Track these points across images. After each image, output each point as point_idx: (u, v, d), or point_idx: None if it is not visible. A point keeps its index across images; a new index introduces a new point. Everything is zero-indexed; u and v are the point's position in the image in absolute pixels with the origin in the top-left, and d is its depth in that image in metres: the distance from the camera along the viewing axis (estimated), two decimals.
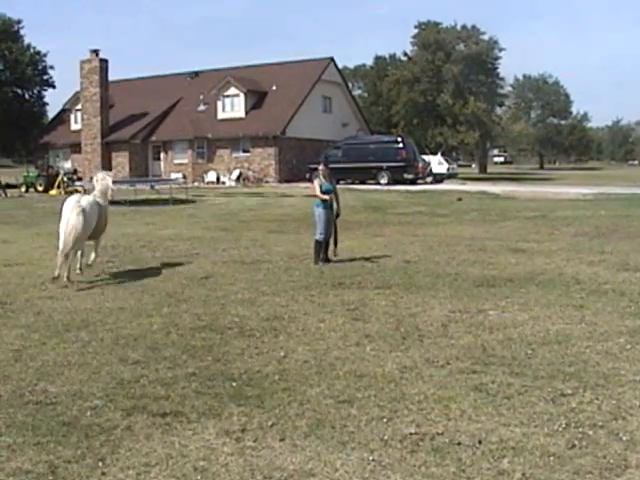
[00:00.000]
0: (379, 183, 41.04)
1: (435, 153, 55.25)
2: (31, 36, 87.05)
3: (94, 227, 12.61)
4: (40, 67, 72.33)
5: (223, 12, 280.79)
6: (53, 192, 38.19)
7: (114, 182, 14.25)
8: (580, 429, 5.49)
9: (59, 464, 5.01)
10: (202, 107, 51.23)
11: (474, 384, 6.53)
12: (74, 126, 54.48)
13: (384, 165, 41.37)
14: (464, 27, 72.23)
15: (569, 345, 7.77)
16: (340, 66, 57.02)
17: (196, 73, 56.52)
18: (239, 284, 11.56)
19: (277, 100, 48.54)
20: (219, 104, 50.07)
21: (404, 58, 77.46)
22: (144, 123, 51.67)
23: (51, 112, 71.76)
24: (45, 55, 72.51)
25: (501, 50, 70.95)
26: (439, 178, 46.87)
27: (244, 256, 14.64)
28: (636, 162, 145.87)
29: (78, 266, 12.72)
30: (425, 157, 48.52)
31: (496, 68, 71.41)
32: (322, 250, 13.57)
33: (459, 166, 68.64)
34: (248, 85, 49.58)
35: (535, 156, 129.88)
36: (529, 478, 4.75)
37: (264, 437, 5.46)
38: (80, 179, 42.82)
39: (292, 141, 47.35)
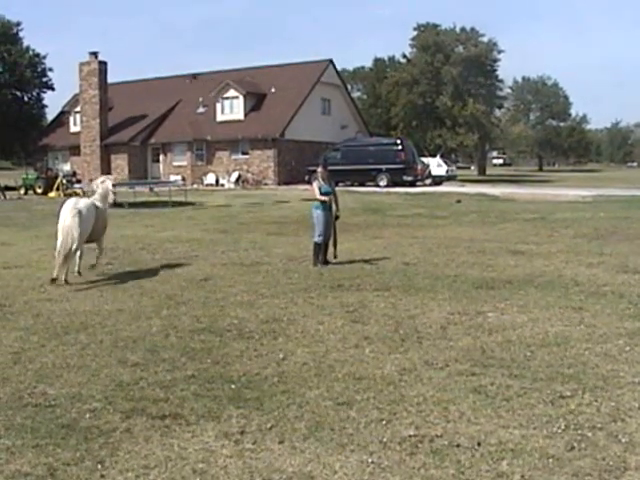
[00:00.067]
0: (378, 185, 41.07)
1: (434, 155, 55.21)
2: (29, 38, 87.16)
3: (92, 230, 12.65)
4: (39, 69, 72.21)
5: (222, 14, 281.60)
6: (52, 194, 38.22)
7: (115, 185, 14.29)
8: (579, 431, 5.49)
9: (58, 466, 5.01)
10: (201, 109, 51.25)
11: (473, 386, 6.54)
12: (73, 128, 54.49)
13: (383, 167, 41.40)
14: (463, 29, 72.31)
15: (568, 347, 7.77)
16: (339, 68, 57.09)
17: (195, 75, 56.54)
18: (238, 286, 11.55)
19: (276, 102, 48.57)
20: (218, 106, 50.09)
21: (403, 60, 77.53)
22: (143, 125, 51.69)
23: (50, 114, 71.78)
24: (44, 57, 72.41)
25: (500, 52, 71.10)
26: (438, 180, 46.87)
27: (243, 258, 14.64)
28: (635, 164, 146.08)
29: (77, 269, 12.74)
30: (424, 159, 48.54)
31: (495, 70, 71.48)
32: (321, 252, 13.57)
33: (458, 168, 68.63)
34: (247, 87, 49.61)
35: (534, 158, 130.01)
36: None
37: (263, 439, 5.46)
38: (79, 181, 42.83)
39: (291, 143, 47.37)
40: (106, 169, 50.81)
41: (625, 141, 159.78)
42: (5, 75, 69.60)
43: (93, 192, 13.79)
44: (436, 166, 50.01)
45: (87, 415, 5.95)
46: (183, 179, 45.50)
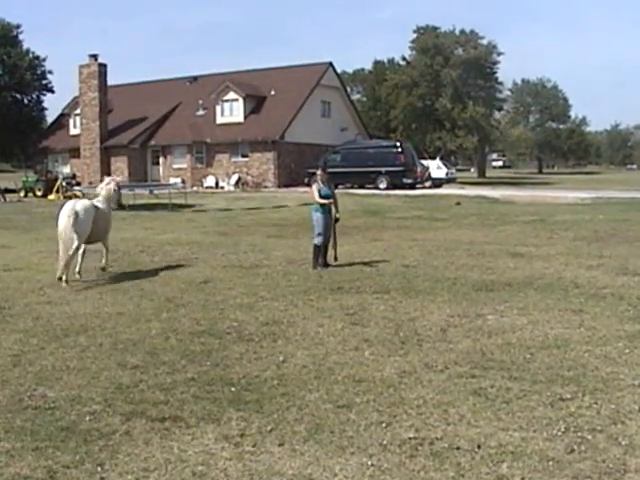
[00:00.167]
0: (378, 188, 41.04)
1: (434, 157, 55.24)
2: (28, 41, 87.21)
3: (92, 230, 12.70)
4: (39, 72, 72.20)
5: (222, 17, 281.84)
6: (52, 197, 38.22)
7: (121, 187, 14.38)
8: (579, 433, 5.49)
9: (58, 469, 5.01)
10: (201, 112, 51.25)
11: (473, 388, 6.54)
12: (73, 131, 54.47)
13: (383, 170, 41.39)
14: (463, 32, 72.41)
15: (568, 349, 7.77)
16: (339, 71, 57.06)
17: (195, 78, 56.54)
18: (238, 289, 11.55)
19: (276, 105, 48.56)
20: (218, 109, 50.09)
21: (403, 63, 77.70)
22: (143, 128, 51.67)
23: (50, 117, 71.78)
24: (44, 60, 72.44)
25: (500, 54, 71.22)
26: (438, 182, 46.90)
27: (243, 261, 14.64)
28: (634, 166, 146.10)
29: (77, 269, 12.77)
30: (424, 162, 48.57)
31: (495, 72, 71.56)
32: (321, 255, 13.58)
33: (458, 170, 68.74)
34: (247, 90, 49.60)
35: (534, 160, 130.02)
36: None
37: (263, 442, 5.46)
38: (79, 184, 42.87)
39: (291, 146, 47.35)
40: (106, 171, 50.61)
41: (625, 143, 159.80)
42: (5, 77, 69.60)
43: (97, 193, 13.89)
44: (436, 168, 50.07)
45: (87, 418, 5.95)
46: (183, 182, 45.49)
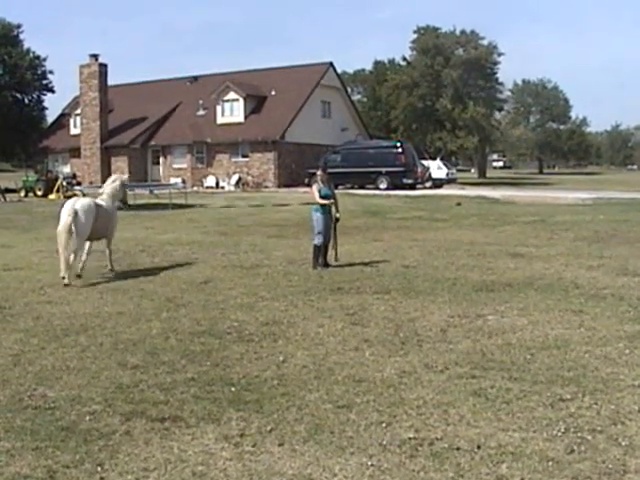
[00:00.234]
0: (378, 188, 41.06)
1: (434, 158, 55.28)
2: (28, 40, 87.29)
3: (94, 229, 12.82)
4: (39, 72, 72.22)
5: (222, 17, 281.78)
6: (52, 196, 38.24)
7: (127, 186, 14.45)
8: (579, 434, 5.49)
9: (58, 469, 5.01)
10: (201, 112, 51.28)
11: (473, 389, 6.54)
12: (73, 130, 54.53)
13: (383, 170, 41.41)
14: (463, 32, 72.38)
15: (568, 350, 7.77)
16: (339, 71, 57.12)
17: (195, 78, 56.59)
18: (238, 289, 11.56)
19: (276, 105, 48.59)
20: (218, 109, 50.12)
21: (403, 63, 77.74)
22: (143, 128, 51.71)
23: (50, 117, 71.82)
24: (45, 60, 72.44)
25: (500, 55, 71.16)
26: (438, 183, 46.93)
27: (243, 261, 14.64)
28: (635, 167, 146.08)
29: (80, 267, 12.83)
30: (424, 162, 48.59)
31: (495, 73, 71.54)
32: (321, 255, 13.58)
33: (458, 171, 68.74)
34: (247, 90, 49.62)
35: (534, 161, 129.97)
36: None
37: (263, 442, 5.46)
38: (79, 183, 42.91)
39: (291, 146, 47.39)
40: (106, 171, 50.77)
41: (625, 144, 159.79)
42: (5, 77, 69.61)
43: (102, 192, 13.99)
44: (436, 169, 50.10)
45: (87, 417, 5.95)
46: (183, 181, 45.50)
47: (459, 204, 30.11)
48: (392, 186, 40.54)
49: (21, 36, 71.11)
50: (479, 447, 5.28)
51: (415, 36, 72.74)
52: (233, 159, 48.62)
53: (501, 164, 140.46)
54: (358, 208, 27.96)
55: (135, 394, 6.52)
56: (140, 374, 7.11)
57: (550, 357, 7.51)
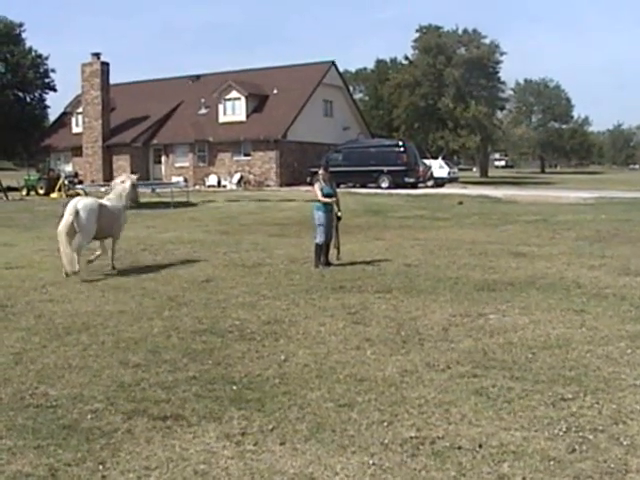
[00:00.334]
0: (380, 187, 41.04)
1: (436, 157, 55.25)
2: (30, 39, 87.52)
3: (99, 228, 12.98)
4: (41, 70, 72.38)
5: (224, 16, 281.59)
6: (54, 195, 38.24)
7: (136, 185, 14.61)
8: (580, 433, 5.49)
9: (59, 467, 5.01)
10: (203, 110, 51.28)
11: (474, 388, 6.53)
12: (75, 129, 54.51)
13: (385, 169, 41.39)
14: (465, 31, 72.36)
15: (570, 349, 7.77)
16: (341, 70, 57.09)
17: (197, 76, 56.56)
18: (240, 287, 11.56)
19: (278, 104, 48.57)
20: (220, 107, 50.11)
21: (405, 62, 77.64)
22: (145, 126, 51.69)
23: (52, 115, 71.93)
24: (46, 58, 72.63)
25: (502, 54, 71.12)
26: (440, 182, 46.89)
27: (245, 259, 14.65)
28: (637, 166, 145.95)
29: (91, 257, 13.05)
30: (426, 161, 48.55)
31: (497, 72, 71.52)
32: (323, 253, 13.58)
33: (460, 170, 68.65)
34: (249, 89, 49.61)
35: (536, 160, 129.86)
36: None
37: (264, 441, 5.46)
38: (81, 182, 42.92)
39: (293, 145, 47.38)
40: (108, 170, 50.86)
41: (627, 143, 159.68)
42: (7, 76, 69.76)
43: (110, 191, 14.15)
44: (438, 168, 50.05)
45: (88, 416, 5.96)
46: (185, 180, 45.51)
47: (461, 203, 30.09)
48: (394, 185, 40.53)
49: (23, 35, 71.34)
50: (481, 446, 5.28)
51: (417, 35, 72.79)
52: (235, 158, 48.59)
53: (503, 163, 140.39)
54: (360, 207, 27.96)
55: (137, 393, 6.53)
56: (142, 373, 7.12)
57: (552, 356, 7.51)
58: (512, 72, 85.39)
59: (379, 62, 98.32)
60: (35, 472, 4.94)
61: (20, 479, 4.86)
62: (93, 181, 47.68)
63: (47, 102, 76.36)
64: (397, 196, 34.82)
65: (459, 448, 5.26)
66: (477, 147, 74.07)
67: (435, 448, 5.27)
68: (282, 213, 26.68)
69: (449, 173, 51.73)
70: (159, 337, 8.50)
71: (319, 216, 13.71)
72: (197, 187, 45.52)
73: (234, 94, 49.49)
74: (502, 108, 79.87)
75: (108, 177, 49.47)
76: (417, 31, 72.94)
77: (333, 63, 52.84)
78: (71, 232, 12.59)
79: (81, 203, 12.87)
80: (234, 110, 49.69)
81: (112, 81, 52.52)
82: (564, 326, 8.80)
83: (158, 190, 35.05)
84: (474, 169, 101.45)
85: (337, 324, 9.04)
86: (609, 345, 7.90)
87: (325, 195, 13.73)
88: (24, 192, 41.83)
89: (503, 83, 74.87)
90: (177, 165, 50.68)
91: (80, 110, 53.03)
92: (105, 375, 7.04)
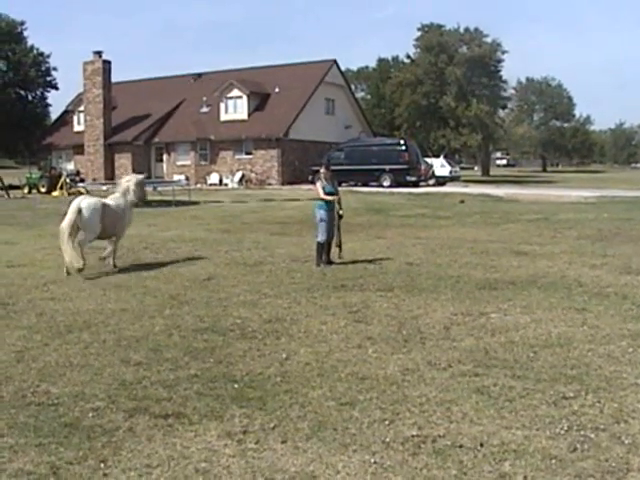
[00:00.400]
0: (382, 185, 41.06)
1: (438, 155, 55.24)
2: (32, 37, 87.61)
3: (103, 226, 13.09)
4: (43, 68, 72.42)
5: (226, 14, 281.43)
6: (56, 193, 38.25)
7: (144, 184, 14.95)
8: (582, 432, 5.49)
9: (61, 465, 5.02)
10: (205, 109, 51.27)
11: (476, 387, 6.54)
12: (77, 127, 54.56)
13: (387, 167, 41.41)
14: (467, 30, 72.27)
15: (571, 348, 7.76)
16: (343, 68, 57.11)
17: (199, 75, 56.57)
18: (241, 286, 11.56)
19: (280, 102, 48.57)
20: (222, 106, 50.11)
21: (407, 60, 77.58)
22: (147, 125, 51.71)
23: (54, 113, 71.96)
24: (48, 56, 72.69)
25: (504, 53, 71.04)
26: (442, 180, 46.88)
27: (246, 258, 14.65)
28: (639, 165, 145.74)
29: (80, 265, 12.88)
30: (428, 159, 48.55)
31: (499, 71, 71.42)
32: (324, 252, 13.57)
33: (462, 169, 68.61)
34: (251, 87, 49.62)
35: (538, 159, 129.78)
36: None
37: (266, 439, 5.46)
38: (82, 180, 42.93)
39: (295, 143, 47.37)
40: (110, 168, 50.92)
41: (629, 142, 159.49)
42: (9, 74, 69.80)
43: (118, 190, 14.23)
44: (440, 166, 50.02)
45: (90, 414, 5.96)
46: (187, 179, 45.51)
47: (462, 202, 30.09)
48: (395, 184, 40.55)
49: (25, 33, 71.38)
50: (482, 445, 5.28)
51: (419, 34, 72.72)
52: (237, 156, 48.61)
53: (505, 162, 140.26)
54: (361, 205, 27.96)
55: (138, 391, 6.53)
56: (143, 371, 7.12)
57: (553, 355, 7.51)
58: (513, 71, 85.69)
59: (381, 61, 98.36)
60: (36, 470, 4.94)
61: (22, 477, 4.86)
62: (95, 179, 47.70)
63: (49, 100, 76.50)
64: (399, 195, 34.83)
65: (460, 447, 5.26)
66: (479, 146, 74.12)
67: (436, 447, 5.27)
68: (284, 212, 26.68)
69: (451, 172, 51.69)
70: (160, 335, 8.51)
71: (321, 214, 13.70)
72: (199, 185, 45.53)
73: (236, 92, 49.49)
74: (504, 107, 79.82)
75: (110, 175, 49.60)
76: (419, 30, 72.92)
77: (335, 62, 52.82)
78: (73, 230, 12.71)
79: (85, 202, 13.02)
80: (236, 108, 49.69)
81: (114, 79, 52.57)
82: (565, 325, 8.80)
83: (160, 188, 35.04)
84: (476, 168, 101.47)
85: (338, 322, 9.04)
86: (610, 344, 7.90)
87: (327, 193, 13.73)
88: (26, 190, 41.82)
89: (505, 82, 74.87)
90: (179, 163, 50.70)
91: (82, 108, 53.07)
92: (106, 373, 7.05)
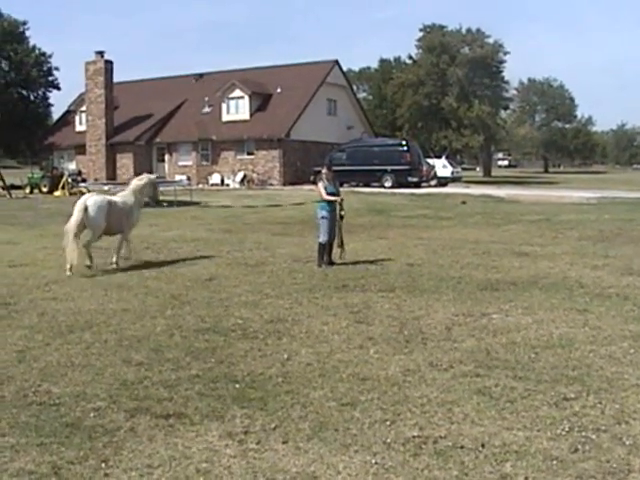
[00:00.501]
0: (383, 186, 41.07)
1: (439, 156, 55.23)
2: (33, 37, 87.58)
3: (108, 224, 13.34)
4: (45, 68, 72.37)
5: (226, 15, 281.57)
6: (57, 193, 38.26)
7: (158, 184, 15.41)
8: (583, 433, 5.48)
9: (62, 465, 5.02)
10: (207, 109, 51.28)
11: (477, 388, 6.53)
12: (79, 127, 54.62)
13: (388, 168, 41.41)
14: (469, 30, 72.26)
15: (572, 349, 7.76)
16: (345, 69, 57.07)
17: (201, 75, 56.58)
18: (243, 286, 11.56)
19: (282, 102, 48.57)
20: (224, 106, 50.12)
21: (409, 61, 77.58)
22: (148, 125, 51.74)
23: (56, 113, 71.91)
24: (50, 56, 72.59)
25: (506, 54, 71.01)
26: (443, 181, 46.91)
27: (248, 258, 14.65)
28: None
29: (88, 263, 13.07)
30: (429, 160, 48.58)
31: (501, 71, 71.37)
32: (326, 253, 13.57)
33: (463, 169, 68.66)
34: (253, 87, 49.61)
35: (539, 159, 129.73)
36: None
37: (267, 439, 5.47)
38: (84, 180, 42.88)
39: (296, 143, 47.37)
40: (111, 168, 50.96)
41: (631, 143, 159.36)
42: (11, 74, 69.78)
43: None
44: (441, 167, 50.07)
45: (91, 414, 5.96)
46: (188, 179, 45.51)
47: (464, 203, 30.10)
48: (397, 184, 40.56)
49: (27, 33, 71.33)
50: (483, 446, 5.28)
51: (421, 34, 72.71)
52: (238, 157, 48.62)
53: (506, 163, 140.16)
54: (363, 206, 27.96)
55: (139, 391, 6.53)
56: (144, 371, 7.12)
57: (554, 356, 7.51)
58: (514, 72, 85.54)
59: (383, 61, 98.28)
60: (38, 470, 4.95)
61: (23, 477, 4.86)
62: (96, 179, 47.72)
63: (51, 100, 76.42)
64: (400, 195, 34.83)
65: (461, 447, 5.26)
66: (480, 147, 74.10)
67: (437, 447, 5.27)
68: (285, 212, 26.67)
69: (452, 172, 51.74)
70: (162, 335, 8.51)
71: (322, 215, 13.70)
72: (200, 186, 45.51)
73: (238, 93, 49.50)
74: (506, 107, 79.79)
75: (111, 175, 49.64)
76: (421, 30, 72.93)
77: (337, 62, 52.81)
78: (80, 229, 12.92)
79: (90, 200, 13.30)
80: (237, 109, 49.70)
81: (115, 79, 52.59)
82: (567, 326, 8.80)
83: (161, 188, 34.96)
84: (477, 169, 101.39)
85: (340, 323, 9.05)
86: (612, 345, 7.90)
87: (329, 194, 13.73)
88: (27, 190, 41.82)
89: (507, 82, 74.79)
90: (180, 164, 50.72)
91: (84, 108, 53.12)
92: (108, 373, 7.05)
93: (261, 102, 49.67)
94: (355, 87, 75.80)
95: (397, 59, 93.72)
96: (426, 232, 19.67)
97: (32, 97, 73.15)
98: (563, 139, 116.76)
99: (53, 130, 60.27)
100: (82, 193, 27.76)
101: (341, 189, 14.63)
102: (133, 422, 5.80)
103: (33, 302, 10.39)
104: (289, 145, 47.15)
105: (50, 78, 73.14)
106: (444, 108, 68.06)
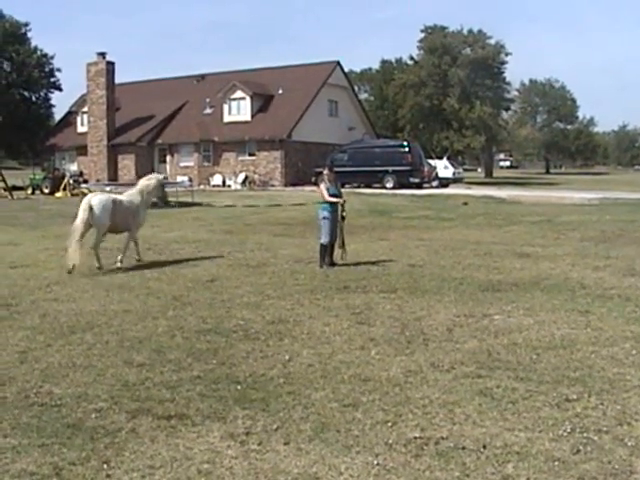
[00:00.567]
0: (385, 187, 41.09)
1: (441, 157, 55.25)
2: (35, 38, 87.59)
3: (113, 222, 13.51)
4: (47, 69, 72.42)
5: (226, 15, 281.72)
6: (59, 194, 38.33)
7: (165, 184, 15.83)
8: (585, 434, 5.48)
9: (64, 466, 5.02)
10: (208, 110, 51.32)
11: (479, 388, 6.53)
12: (80, 128, 54.65)
13: (390, 169, 41.43)
14: (470, 31, 72.34)
15: (574, 350, 7.75)
16: (346, 70, 57.07)
17: (202, 76, 56.60)
18: (244, 287, 11.56)
19: (283, 103, 48.60)
20: (225, 107, 50.16)
21: (410, 62, 77.67)
22: (150, 126, 51.77)
23: (57, 114, 71.99)
24: (52, 57, 72.65)
25: (507, 54, 71.03)
26: (445, 182, 46.91)
27: (249, 259, 14.65)
28: None
29: (97, 265, 13.27)
30: (431, 161, 48.61)
31: (502, 72, 71.44)
32: (327, 254, 13.57)
33: (465, 170, 68.68)
34: (254, 88, 49.64)
35: (541, 160, 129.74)
36: None
37: (268, 440, 5.46)
38: (86, 181, 42.95)
39: (298, 144, 47.39)
40: (113, 169, 50.98)
41: (632, 144, 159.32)
42: (13, 75, 69.84)
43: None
44: (443, 168, 50.08)
45: (93, 415, 5.96)
46: (190, 180, 45.54)
47: (466, 204, 30.09)
48: (399, 185, 40.57)
49: (28, 34, 71.37)
50: (485, 447, 5.27)
51: (422, 35, 72.77)
52: (240, 158, 48.66)
53: (508, 164, 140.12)
54: (365, 207, 27.96)
55: (141, 392, 6.53)
56: (146, 372, 7.12)
57: (556, 357, 7.50)
58: (515, 72, 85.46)
59: (384, 62, 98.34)
60: (39, 471, 4.94)
61: (24, 478, 4.86)
62: (98, 180, 47.74)
63: (52, 101, 76.56)
64: (402, 196, 34.83)
65: (463, 448, 5.25)
66: (482, 147, 74.14)
67: (439, 448, 5.27)
68: (286, 213, 26.68)
69: (454, 173, 51.74)
70: (163, 336, 8.51)
71: (324, 216, 13.70)
72: (202, 187, 45.54)
73: (239, 94, 49.54)
74: (507, 108, 79.80)
75: (113, 176, 49.66)
76: (422, 31, 73.01)
77: (338, 63, 52.84)
78: (87, 228, 13.13)
79: (95, 199, 13.47)
80: (239, 110, 49.74)
81: (116, 80, 52.59)
82: (569, 327, 8.79)
83: (166, 189, 35.01)
84: (479, 169, 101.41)
85: (341, 324, 9.04)
86: (614, 346, 7.89)
87: (331, 195, 13.73)
88: (29, 191, 41.91)
89: (508, 83, 74.87)
90: (182, 165, 50.75)
91: (85, 109, 53.17)
92: (109, 374, 7.05)
93: (262, 103, 49.71)
94: (356, 88, 75.88)
95: (398, 60, 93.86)
96: (427, 233, 19.67)
97: (34, 98, 73.22)
98: (565, 140, 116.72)
99: (55, 131, 60.35)
100: (84, 194, 27.80)
101: (342, 190, 14.63)
102: (135, 423, 5.80)
103: (35, 303, 10.40)
104: (290, 146, 47.17)
105: (52, 79, 73.21)
106: (445, 109, 68.12)
